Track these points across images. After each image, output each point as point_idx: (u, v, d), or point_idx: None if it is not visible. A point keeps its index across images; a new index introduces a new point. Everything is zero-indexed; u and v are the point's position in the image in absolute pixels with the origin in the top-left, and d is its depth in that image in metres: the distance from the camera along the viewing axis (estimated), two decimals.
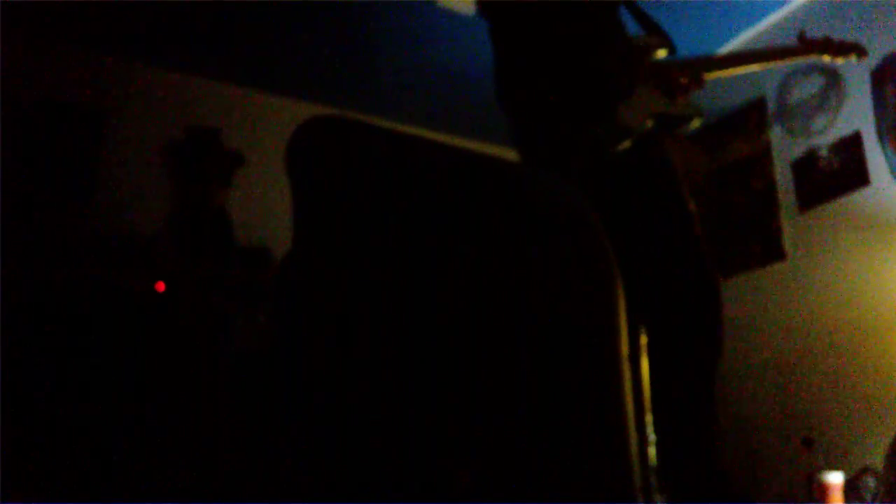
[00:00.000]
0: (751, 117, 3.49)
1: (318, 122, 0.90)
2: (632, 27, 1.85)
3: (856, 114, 3.03)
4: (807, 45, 2.07)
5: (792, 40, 2.11)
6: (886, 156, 2.88)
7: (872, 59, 2.89)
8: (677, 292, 1.60)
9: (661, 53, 1.83)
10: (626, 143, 1.62)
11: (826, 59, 2.07)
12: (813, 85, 3.23)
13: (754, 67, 2.03)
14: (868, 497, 2.62)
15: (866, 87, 2.98)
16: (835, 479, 2.43)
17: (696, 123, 1.75)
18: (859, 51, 2.10)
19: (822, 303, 3.04)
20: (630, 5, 1.86)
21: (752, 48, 3.38)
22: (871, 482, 2.64)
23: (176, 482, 2.15)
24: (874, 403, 2.73)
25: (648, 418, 1.60)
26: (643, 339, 1.58)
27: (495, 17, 1.76)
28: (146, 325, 2.50)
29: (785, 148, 3.32)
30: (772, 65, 2.11)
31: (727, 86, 3.32)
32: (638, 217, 1.62)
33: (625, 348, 0.97)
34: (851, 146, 3.02)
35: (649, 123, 1.67)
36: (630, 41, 1.78)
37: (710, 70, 1.89)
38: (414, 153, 0.98)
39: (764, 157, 3.41)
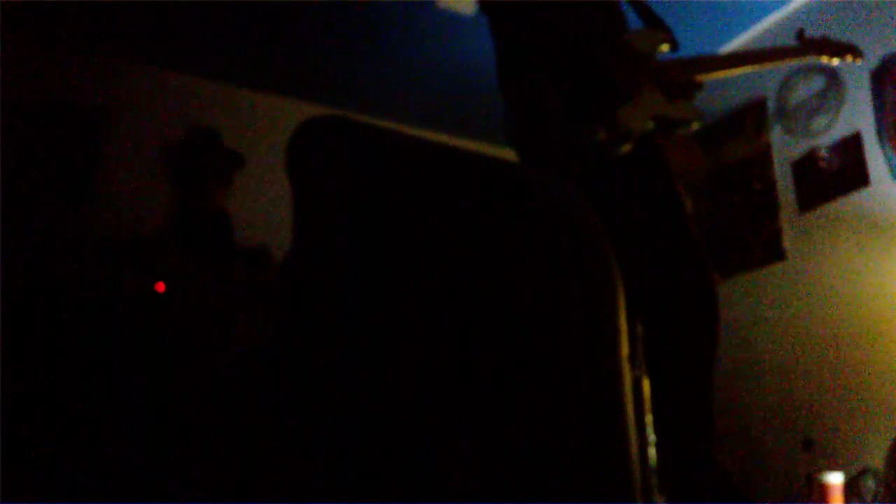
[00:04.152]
0: (751, 117, 3.49)
1: (318, 122, 0.90)
2: (634, 22, 1.84)
3: (856, 114, 3.03)
4: (805, 44, 2.07)
5: (792, 40, 2.11)
6: (886, 156, 2.88)
7: (872, 60, 2.90)
8: (674, 293, 1.60)
9: (664, 49, 1.82)
10: (626, 147, 1.61)
11: (824, 59, 2.07)
12: (813, 85, 3.23)
13: (754, 68, 2.03)
14: (868, 497, 2.62)
15: (866, 87, 2.98)
16: (835, 479, 2.43)
17: (694, 126, 1.75)
18: (855, 52, 2.10)
19: (822, 303, 3.03)
20: (633, 2, 1.86)
21: (752, 49, 3.38)
22: (871, 482, 2.63)
23: (176, 482, 2.15)
24: (874, 403, 2.73)
25: (648, 418, 1.60)
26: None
27: (496, 16, 1.76)
28: (146, 325, 2.49)
29: (785, 148, 3.32)
30: (771, 66, 2.12)
31: (727, 86, 3.33)
32: (635, 217, 1.62)
33: (625, 348, 0.97)
34: (851, 146, 3.02)
35: (649, 126, 1.66)
36: (633, 38, 1.77)
37: (710, 70, 1.89)
38: (414, 153, 0.98)
39: (764, 157, 3.40)
